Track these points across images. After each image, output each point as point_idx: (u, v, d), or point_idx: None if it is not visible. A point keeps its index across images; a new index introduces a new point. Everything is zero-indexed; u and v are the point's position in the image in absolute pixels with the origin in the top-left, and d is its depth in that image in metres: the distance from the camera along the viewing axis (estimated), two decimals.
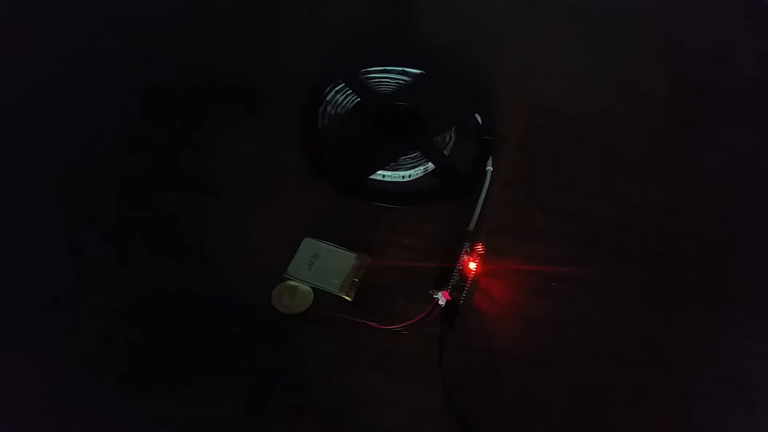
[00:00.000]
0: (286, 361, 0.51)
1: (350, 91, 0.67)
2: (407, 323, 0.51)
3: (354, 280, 0.54)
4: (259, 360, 0.51)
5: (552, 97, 0.70)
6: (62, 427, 0.48)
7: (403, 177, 0.62)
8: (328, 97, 0.67)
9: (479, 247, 0.55)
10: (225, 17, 0.77)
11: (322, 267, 0.55)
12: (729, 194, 0.62)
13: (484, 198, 0.59)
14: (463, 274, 0.54)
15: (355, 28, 0.76)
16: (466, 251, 0.54)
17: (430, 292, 0.53)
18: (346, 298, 0.53)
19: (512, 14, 0.79)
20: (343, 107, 0.67)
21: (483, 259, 0.55)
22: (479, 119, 0.66)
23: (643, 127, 0.68)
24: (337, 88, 0.67)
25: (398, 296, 0.54)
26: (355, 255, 0.55)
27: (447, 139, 0.64)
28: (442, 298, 0.52)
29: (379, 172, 0.61)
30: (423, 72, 0.69)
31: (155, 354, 0.51)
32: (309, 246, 0.56)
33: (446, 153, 0.63)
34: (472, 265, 0.54)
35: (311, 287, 0.54)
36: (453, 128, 0.65)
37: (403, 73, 0.70)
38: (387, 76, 0.69)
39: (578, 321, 0.53)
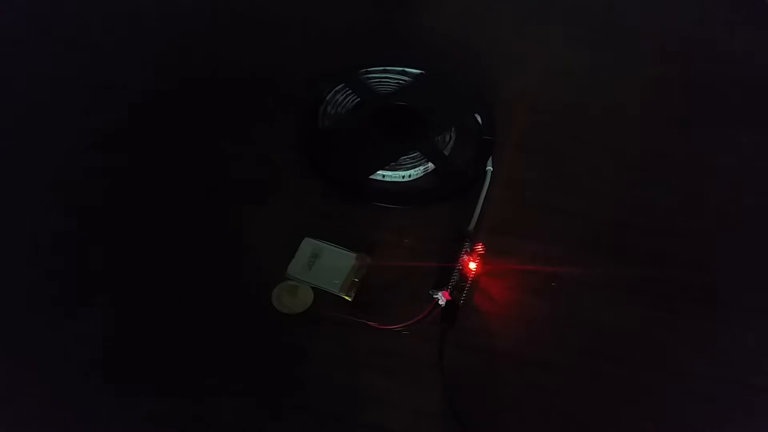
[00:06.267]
0: (286, 361, 0.51)
1: (350, 91, 0.67)
2: (407, 323, 0.51)
3: (354, 280, 0.54)
4: (259, 360, 0.51)
5: (552, 97, 0.70)
6: (63, 427, 0.48)
7: (403, 177, 0.62)
8: (328, 97, 0.67)
9: (479, 247, 0.55)
10: (225, 17, 0.77)
11: (322, 267, 0.55)
12: (729, 194, 0.62)
13: (484, 198, 0.59)
14: (463, 274, 0.54)
15: (355, 28, 0.76)
16: (466, 251, 0.54)
17: (430, 292, 0.53)
18: (346, 298, 0.53)
19: (512, 14, 0.79)
20: (343, 107, 0.66)
21: (483, 259, 0.55)
22: (479, 119, 0.66)
23: (643, 127, 0.68)
24: (337, 88, 0.67)
25: (398, 296, 0.54)
26: (355, 255, 0.55)
27: (447, 139, 0.64)
28: (442, 298, 0.52)
29: (379, 172, 0.61)
30: (423, 72, 0.69)
31: (155, 354, 0.51)
32: (309, 246, 0.56)
33: (446, 153, 0.63)
34: (472, 265, 0.54)
35: (311, 287, 0.54)
36: (453, 128, 0.65)
37: (403, 73, 0.70)
38: (387, 76, 0.69)
39: (578, 321, 0.53)
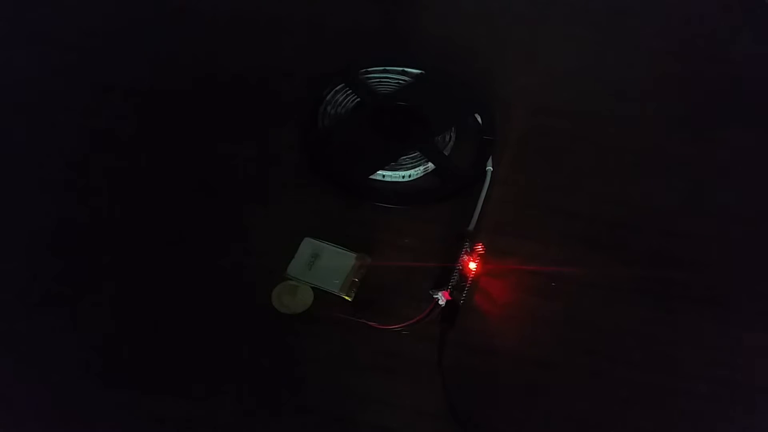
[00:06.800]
0: (286, 361, 0.51)
1: (350, 91, 0.67)
2: (407, 323, 0.51)
3: (354, 280, 0.54)
4: (259, 360, 0.51)
5: (552, 97, 0.70)
6: (63, 427, 0.48)
7: (403, 177, 0.62)
8: (328, 97, 0.67)
9: (479, 247, 0.55)
10: (225, 17, 0.77)
11: (322, 267, 0.55)
12: (729, 194, 0.62)
13: (484, 198, 0.59)
14: (463, 274, 0.54)
15: (355, 28, 0.76)
16: (466, 251, 0.54)
17: (430, 292, 0.53)
18: (346, 298, 0.53)
19: (512, 14, 0.79)
20: (343, 107, 0.67)
21: (483, 259, 0.55)
22: (479, 119, 0.66)
23: (643, 127, 0.68)
24: (337, 88, 0.67)
25: (398, 296, 0.54)
26: (355, 255, 0.55)
27: (447, 139, 0.64)
28: (442, 298, 0.52)
29: (379, 172, 0.61)
30: (423, 72, 0.69)
31: (155, 354, 0.51)
32: (309, 246, 0.56)
33: (446, 153, 0.63)
34: (472, 265, 0.54)
35: (311, 287, 0.54)
36: (453, 128, 0.65)
37: (403, 73, 0.70)
38: (387, 76, 0.69)
39: (578, 321, 0.53)
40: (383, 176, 0.62)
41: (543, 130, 0.66)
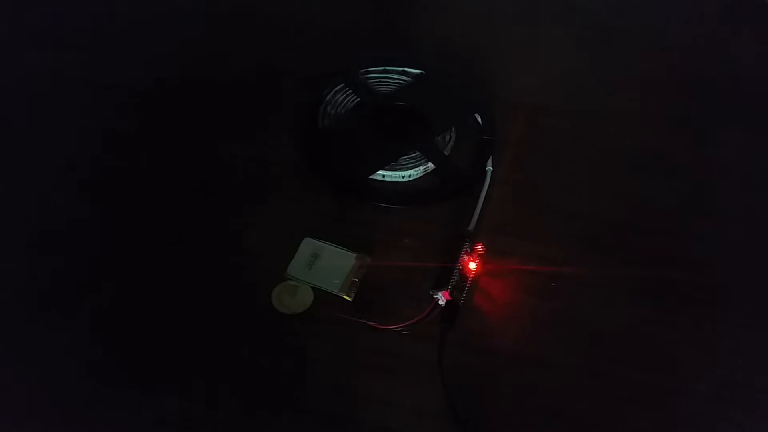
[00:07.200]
0: (286, 361, 0.51)
1: (350, 91, 0.67)
2: (407, 323, 0.51)
3: (354, 280, 0.54)
4: (259, 360, 0.51)
5: (552, 96, 0.70)
6: (62, 427, 0.48)
7: (403, 177, 0.62)
8: (328, 97, 0.67)
9: (479, 247, 0.55)
10: (224, 17, 0.77)
11: (322, 267, 0.55)
12: (728, 194, 0.62)
13: (484, 198, 0.59)
14: (463, 274, 0.54)
15: (355, 28, 0.76)
16: (466, 251, 0.54)
17: (430, 292, 0.53)
18: (346, 298, 0.53)
19: (512, 14, 0.79)
20: (343, 107, 0.67)
21: (483, 259, 0.55)
22: (479, 119, 0.66)
23: (643, 127, 0.68)
24: (337, 88, 0.67)
25: (398, 296, 0.54)
26: (355, 255, 0.55)
27: (447, 139, 0.64)
28: (442, 298, 0.52)
29: (379, 172, 0.61)
30: (423, 72, 0.69)
31: (155, 354, 0.51)
32: (309, 246, 0.56)
33: (446, 153, 0.63)
34: (472, 265, 0.54)
35: (311, 287, 0.54)
36: (453, 128, 0.65)
37: (403, 73, 0.70)
38: (387, 76, 0.69)
39: (578, 321, 0.53)
40: (383, 176, 0.62)
41: (543, 130, 0.66)
